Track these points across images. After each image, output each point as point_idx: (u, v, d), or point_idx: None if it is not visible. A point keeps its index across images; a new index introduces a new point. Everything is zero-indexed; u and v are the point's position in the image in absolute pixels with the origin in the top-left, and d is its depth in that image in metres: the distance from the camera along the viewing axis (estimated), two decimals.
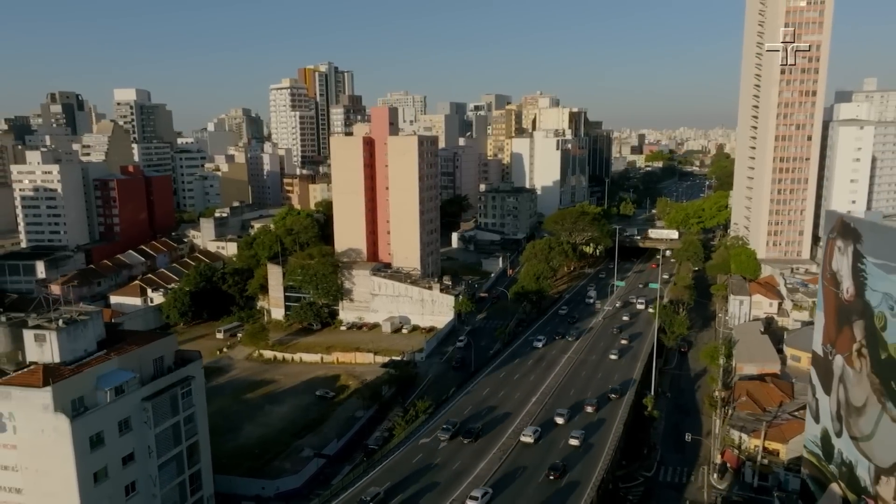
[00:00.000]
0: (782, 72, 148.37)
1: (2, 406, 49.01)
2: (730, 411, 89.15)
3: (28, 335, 52.58)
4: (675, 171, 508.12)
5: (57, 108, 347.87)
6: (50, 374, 49.77)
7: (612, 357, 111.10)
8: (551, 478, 69.61)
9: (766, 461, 78.86)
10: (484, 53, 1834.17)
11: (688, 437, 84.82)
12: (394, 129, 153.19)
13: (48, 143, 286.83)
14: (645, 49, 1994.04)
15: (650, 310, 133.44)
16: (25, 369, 51.56)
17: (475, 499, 63.79)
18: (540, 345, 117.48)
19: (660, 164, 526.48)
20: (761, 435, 79.34)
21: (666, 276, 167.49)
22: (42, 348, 52.34)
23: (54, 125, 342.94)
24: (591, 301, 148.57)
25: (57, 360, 52.22)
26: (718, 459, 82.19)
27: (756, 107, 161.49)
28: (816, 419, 51.31)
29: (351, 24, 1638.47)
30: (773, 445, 79.39)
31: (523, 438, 79.17)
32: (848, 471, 45.89)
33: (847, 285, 46.06)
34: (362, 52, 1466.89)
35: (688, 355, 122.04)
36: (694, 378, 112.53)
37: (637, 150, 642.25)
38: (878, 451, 42.42)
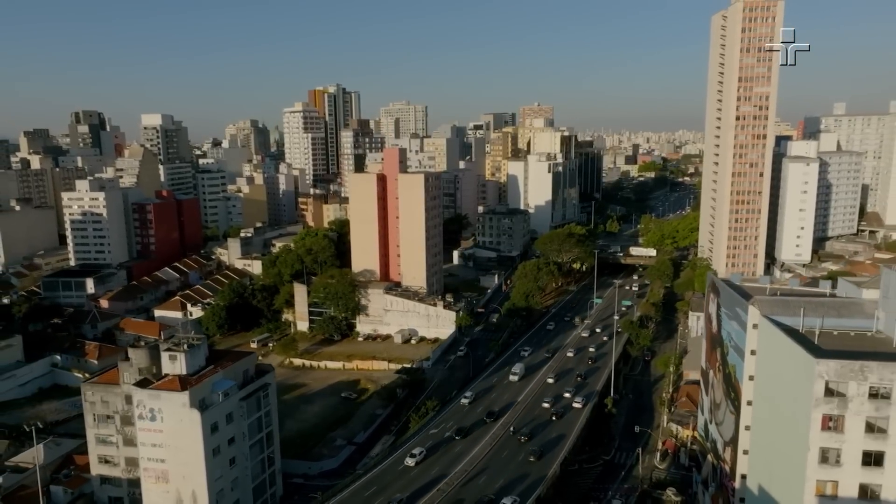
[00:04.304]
0: (737, 118, 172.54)
1: (153, 403, 73.12)
2: (672, 409, 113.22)
3: (164, 355, 76.74)
4: (666, 181, 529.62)
5: (84, 129, 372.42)
6: (184, 382, 73.94)
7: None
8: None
9: (694, 447, 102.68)
10: (483, 57, 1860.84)
11: (637, 428, 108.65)
12: (403, 166, 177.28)
13: (80, 163, 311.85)
14: (645, 49, 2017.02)
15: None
16: (164, 379, 75.65)
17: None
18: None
19: (652, 175, 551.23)
20: (691, 427, 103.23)
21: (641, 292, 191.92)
22: (174, 364, 76.41)
23: (81, 145, 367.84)
24: (516, 377, 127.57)
25: (184, 372, 76.26)
26: (661, 446, 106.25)
27: (717, 146, 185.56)
28: (702, 412, 75.31)
29: (351, 30, 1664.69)
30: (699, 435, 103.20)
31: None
32: (714, 446, 69.87)
33: (714, 323, 70.10)
34: (362, 55, 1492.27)
35: (651, 363, 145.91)
36: (653, 382, 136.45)
37: (631, 159, 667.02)
38: (724, 431, 66.34)
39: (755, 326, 58.23)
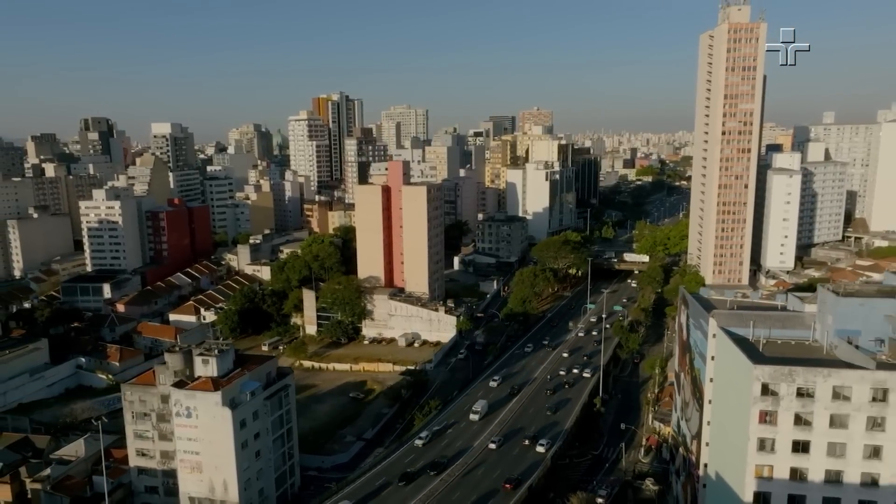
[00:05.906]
0: (723, 133, 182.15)
1: (189, 402, 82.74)
2: (657, 408, 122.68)
3: (197, 359, 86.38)
4: (663, 184, 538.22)
5: (94, 136, 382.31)
6: (216, 384, 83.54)
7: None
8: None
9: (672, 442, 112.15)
10: (484, 59, 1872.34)
11: (622, 426, 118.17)
12: (406, 178, 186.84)
13: (91, 171, 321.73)
14: (646, 50, 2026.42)
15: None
16: (198, 380, 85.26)
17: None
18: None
19: (650, 179, 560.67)
20: (671, 424, 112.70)
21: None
22: (206, 367, 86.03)
23: (91, 152, 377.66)
24: (478, 416, 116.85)
25: (215, 374, 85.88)
26: (645, 442, 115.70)
27: (705, 158, 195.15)
28: (675, 410, 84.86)
29: (351, 32, 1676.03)
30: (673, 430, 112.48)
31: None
32: (684, 439, 79.44)
33: (684, 332, 79.68)
34: (363, 57, 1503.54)
35: (639, 365, 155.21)
36: (641, 383, 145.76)
37: (629, 163, 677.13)
38: (692, 427, 75.96)
39: (714, 336, 67.73)
